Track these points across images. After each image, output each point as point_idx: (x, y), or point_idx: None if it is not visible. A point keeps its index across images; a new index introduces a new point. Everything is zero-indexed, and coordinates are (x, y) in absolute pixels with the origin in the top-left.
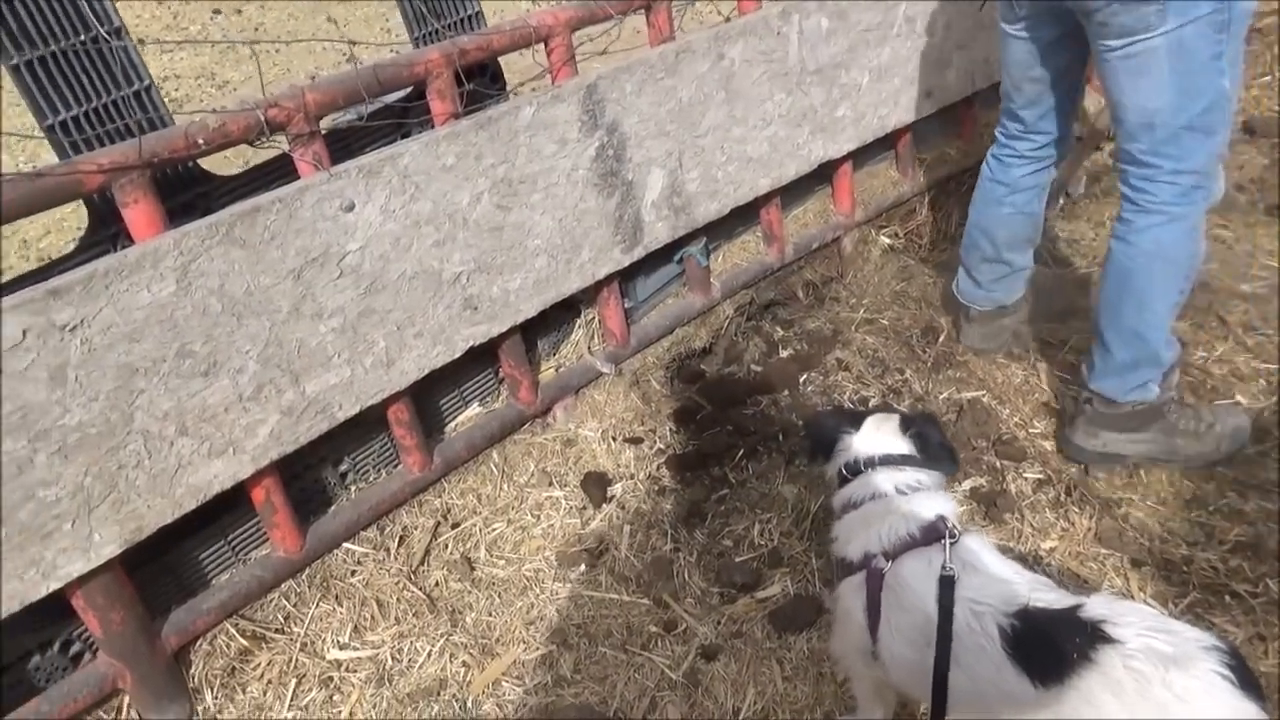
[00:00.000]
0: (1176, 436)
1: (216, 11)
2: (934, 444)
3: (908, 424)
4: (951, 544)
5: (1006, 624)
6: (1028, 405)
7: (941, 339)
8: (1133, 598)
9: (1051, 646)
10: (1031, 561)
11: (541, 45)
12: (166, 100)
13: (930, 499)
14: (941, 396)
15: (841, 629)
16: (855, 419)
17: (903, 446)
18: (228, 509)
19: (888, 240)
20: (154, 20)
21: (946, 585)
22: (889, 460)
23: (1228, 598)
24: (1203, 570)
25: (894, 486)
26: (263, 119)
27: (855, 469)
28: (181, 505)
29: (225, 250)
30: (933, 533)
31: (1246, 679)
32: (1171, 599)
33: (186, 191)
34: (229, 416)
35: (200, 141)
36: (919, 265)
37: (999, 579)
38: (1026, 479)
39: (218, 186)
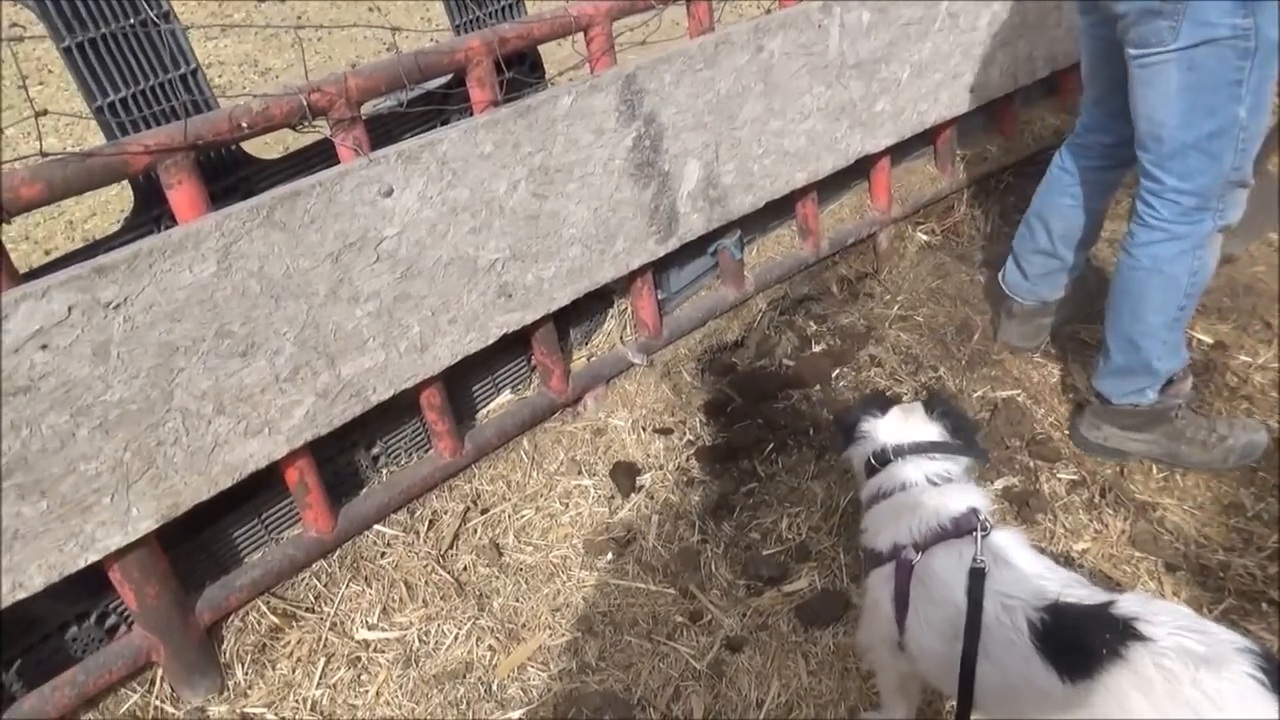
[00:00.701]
0: (1181, 443)
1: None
2: (963, 426)
3: (933, 407)
4: (983, 537)
5: (1037, 618)
6: (1063, 406)
7: (976, 337)
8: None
9: (1081, 642)
10: (1063, 563)
11: (581, 35)
12: (210, 86)
13: (962, 491)
14: (975, 395)
15: (869, 620)
16: (883, 405)
17: (931, 432)
18: (263, 488)
19: (924, 237)
20: (199, 8)
21: (977, 578)
22: (918, 448)
23: (1264, 605)
24: (1239, 576)
25: (924, 476)
26: (305, 103)
27: (884, 459)
28: (217, 483)
29: (265, 233)
30: (964, 525)
31: (1278, 682)
32: (1206, 605)
33: (229, 175)
34: (265, 397)
35: (244, 124)
36: (955, 263)
37: (1030, 574)
38: (1060, 480)
39: (259, 170)
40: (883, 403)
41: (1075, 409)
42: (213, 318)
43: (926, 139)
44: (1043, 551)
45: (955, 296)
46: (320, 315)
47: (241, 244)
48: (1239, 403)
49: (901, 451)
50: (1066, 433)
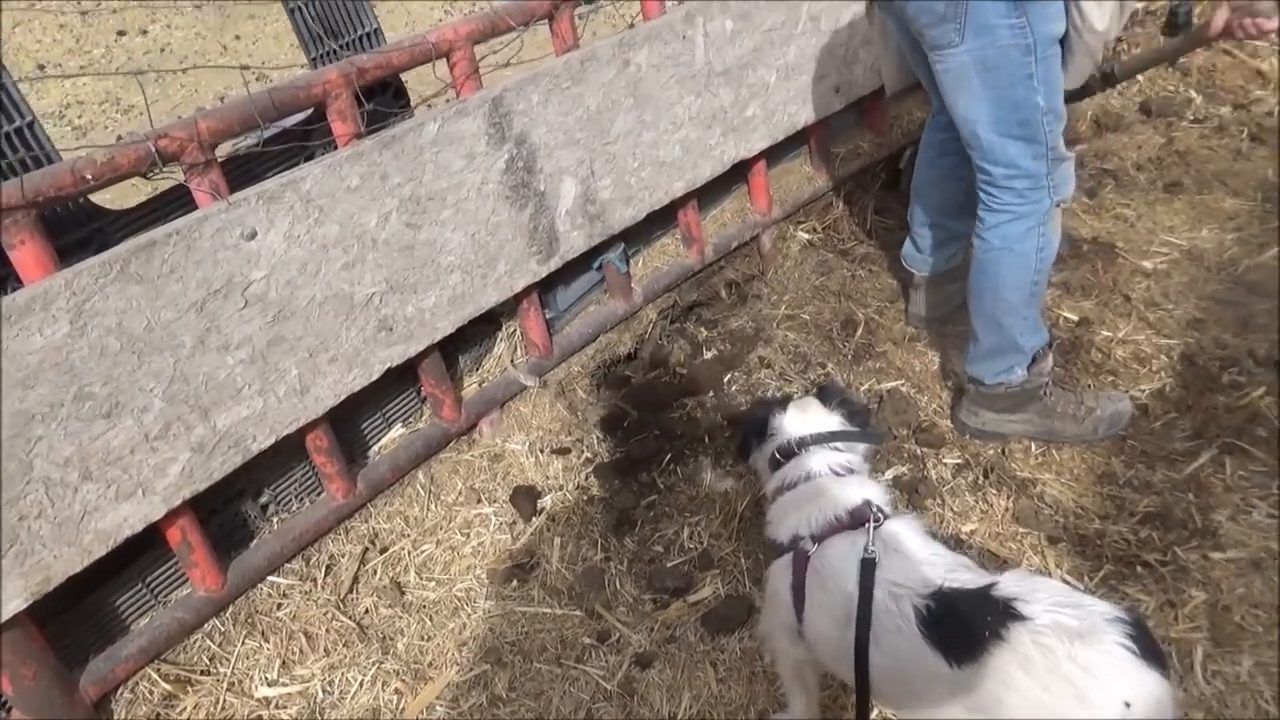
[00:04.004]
0: (1054, 419)
1: (121, 33)
2: (858, 412)
3: (828, 397)
4: (876, 527)
5: (922, 605)
6: (944, 392)
7: (860, 331)
8: (1049, 574)
9: (964, 626)
10: (954, 545)
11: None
12: (70, 127)
13: (859, 483)
14: (863, 387)
15: (769, 609)
16: (781, 404)
17: (831, 422)
18: (145, 550)
19: (806, 235)
20: (55, 44)
21: (867, 568)
22: (820, 438)
23: (1139, 568)
24: (1115, 543)
25: (827, 467)
26: (154, 150)
27: (789, 451)
28: (91, 552)
29: (121, 287)
30: (859, 516)
31: (1149, 648)
32: (1086, 573)
33: (80, 228)
34: (136, 458)
35: (88, 177)
36: (838, 259)
37: (919, 561)
38: (946, 464)
39: (113, 220)
40: (777, 402)
41: (956, 395)
42: (70, 380)
43: (801, 139)
44: (935, 536)
45: (839, 292)
46: (189, 367)
47: (95, 301)
48: (1105, 376)
49: (805, 443)
50: (949, 419)
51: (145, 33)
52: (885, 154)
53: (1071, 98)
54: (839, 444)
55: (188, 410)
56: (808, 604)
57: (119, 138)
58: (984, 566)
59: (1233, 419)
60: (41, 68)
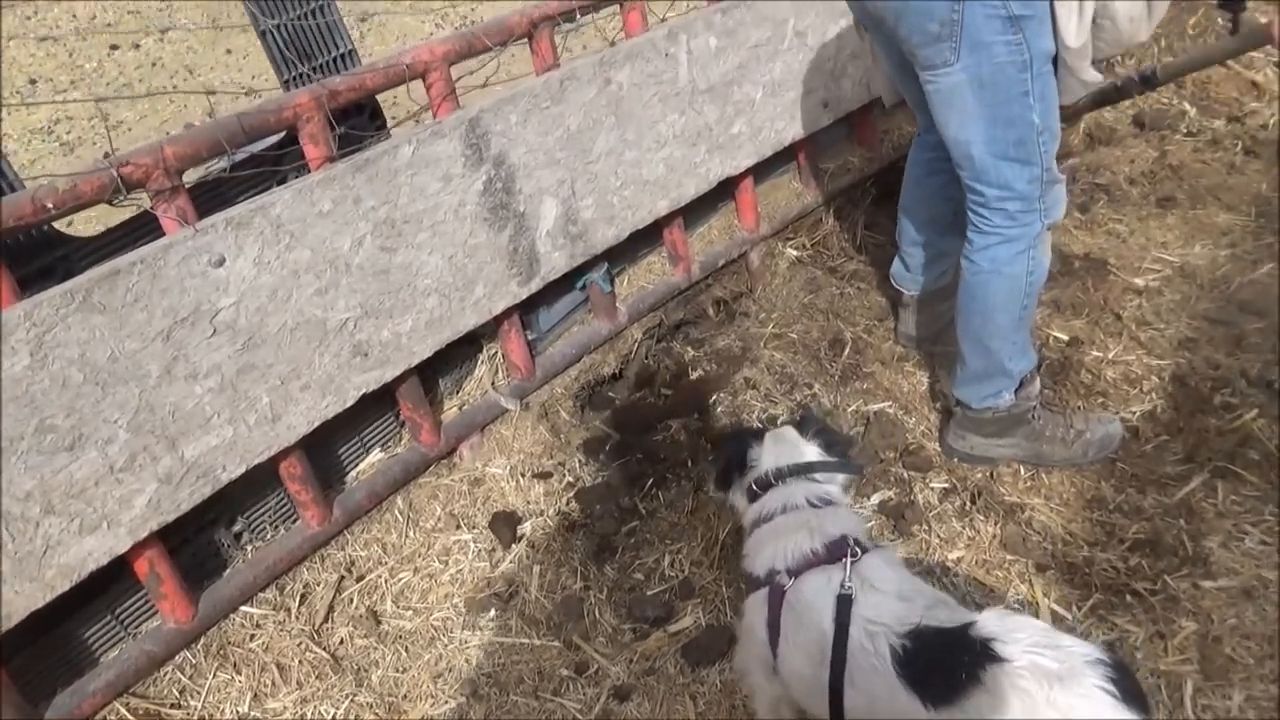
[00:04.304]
0: (1042, 443)
1: (114, 47)
2: (836, 442)
3: (805, 427)
4: (853, 562)
5: (899, 644)
6: (932, 414)
7: (848, 351)
8: (1037, 604)
9: (941, 667)
10: (939, 573)
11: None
12: (58, 143)
13: (838, 515)
14: (850, 409)
15: (745, 643)
16: (757, 435)
17: (809, 452)
18: (113, 581)
19: (794, 252)
20: (49, 58)
21: (843, 604)
22: (798, 469)
23: (1129, 597)
24: (1104, 571)
25: (805, 499)
26: (118, 177)
27: (765, 483)
28: (54, 587)
29: (84, 317)
30: (836, 550)
31: (1129, 690)
32: (1075, 602)
33: (44, 256)
34: (100, 490)
35: (49, 206)
36: (826, 276)
37: (896, 597)
38: (933, 489)
39: (78, 248)
40: (754, 432)
41: (944, 416)
42: (30, 413)
43: (789, 155)
44: (920, 564)
45: (827, 310)
46: (155, 397)
47: (57, 332)
48: (1095, 398)
49: (783, 475)
50: (937, 441)
51: (138, 47)
52: (876, 168)
53: (1107, 100)
54: (817, 474)
55: (154, 441)
56: (782, 640)
57: (105, 155)
58: (970, 596)
59: (1225, 442)
60: (33, 82)
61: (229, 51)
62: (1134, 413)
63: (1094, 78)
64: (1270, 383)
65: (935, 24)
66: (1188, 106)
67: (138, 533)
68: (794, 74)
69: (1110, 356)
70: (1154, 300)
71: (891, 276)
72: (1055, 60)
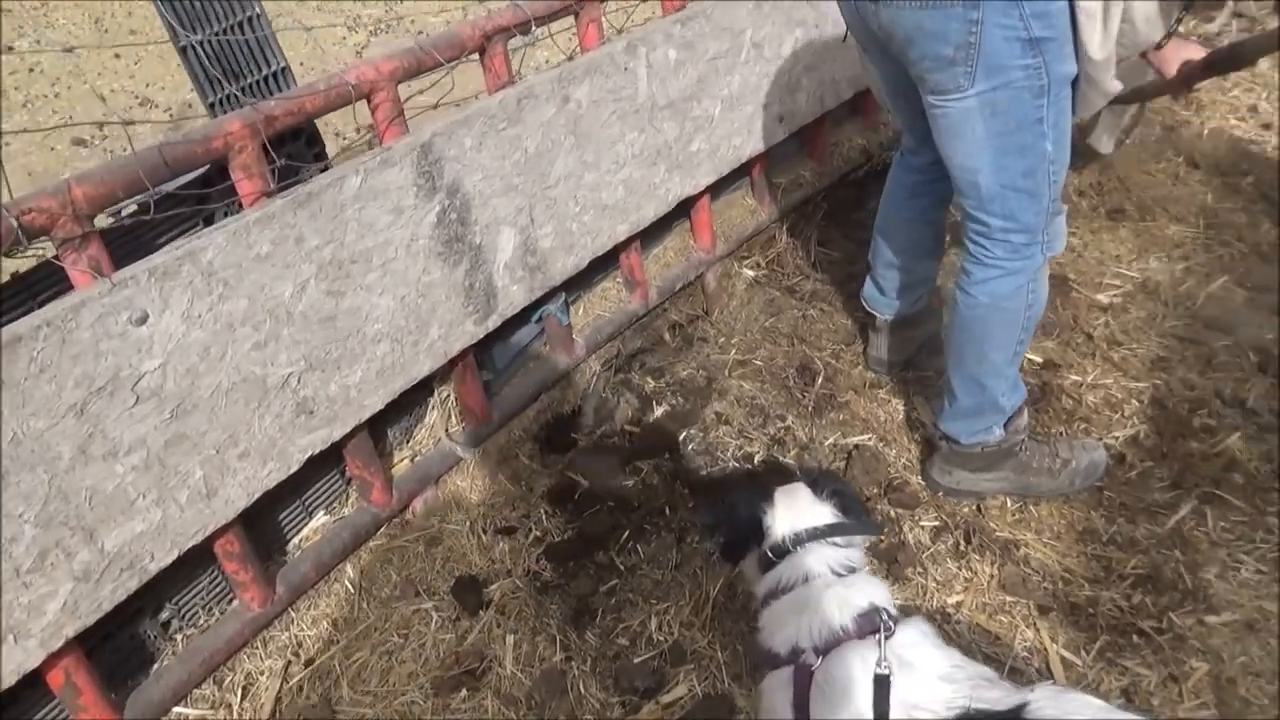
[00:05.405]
0: (1029, 474)
1: None
2: (852, 505)
3: (818, 486)
4: (886, 638)
5: None
6: (913, 445)
7: (820, 380)
8: (1046, 651)
9: None
10: (940, 620)
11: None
12: None
13: (863, 584)
14: (828, 443)
15: None
16: (764, 494)
17: (825, 513)
18: (26, 687)
19: (751, 272)
20: None
21: (881, 686)
22: (816, 534)
23: (1135, 637)
24: (1108, 611)
25: (827, 567)
26: (16, 225)
27: (782, 550)
28: None
29: None
30: (866, 625)
31: None
32: (1083, 645)
33: None
34: (4, 599)
35: None
36: (785, 297)
37: (938, 677)
38: (924, 527)
39: None
40: (760, 490)
41: (924, 447)
42: None
43: (742, 171)
44: (919, 609)
45: (791, 334)
46: (68, 482)
47: None
48: (1077, 424)
49: (800, 540)
50: (920, 474)
51: (11, 49)
52: (827, 183)
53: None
54: (836, 539)
55: (68, 534)
56: None
57: None
58: (976, 645)
59: (1209, 467)
60: None
61: (117, 56)
62: (1117, 438)
63: (1117, 87)
64: (1244, 402)
65: (950, 48)
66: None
67: (51, 643)
68: (751, 88)
69: (1089, 380)
70: (1120, 318)
71: (864, 299)
72: (1074, 80)
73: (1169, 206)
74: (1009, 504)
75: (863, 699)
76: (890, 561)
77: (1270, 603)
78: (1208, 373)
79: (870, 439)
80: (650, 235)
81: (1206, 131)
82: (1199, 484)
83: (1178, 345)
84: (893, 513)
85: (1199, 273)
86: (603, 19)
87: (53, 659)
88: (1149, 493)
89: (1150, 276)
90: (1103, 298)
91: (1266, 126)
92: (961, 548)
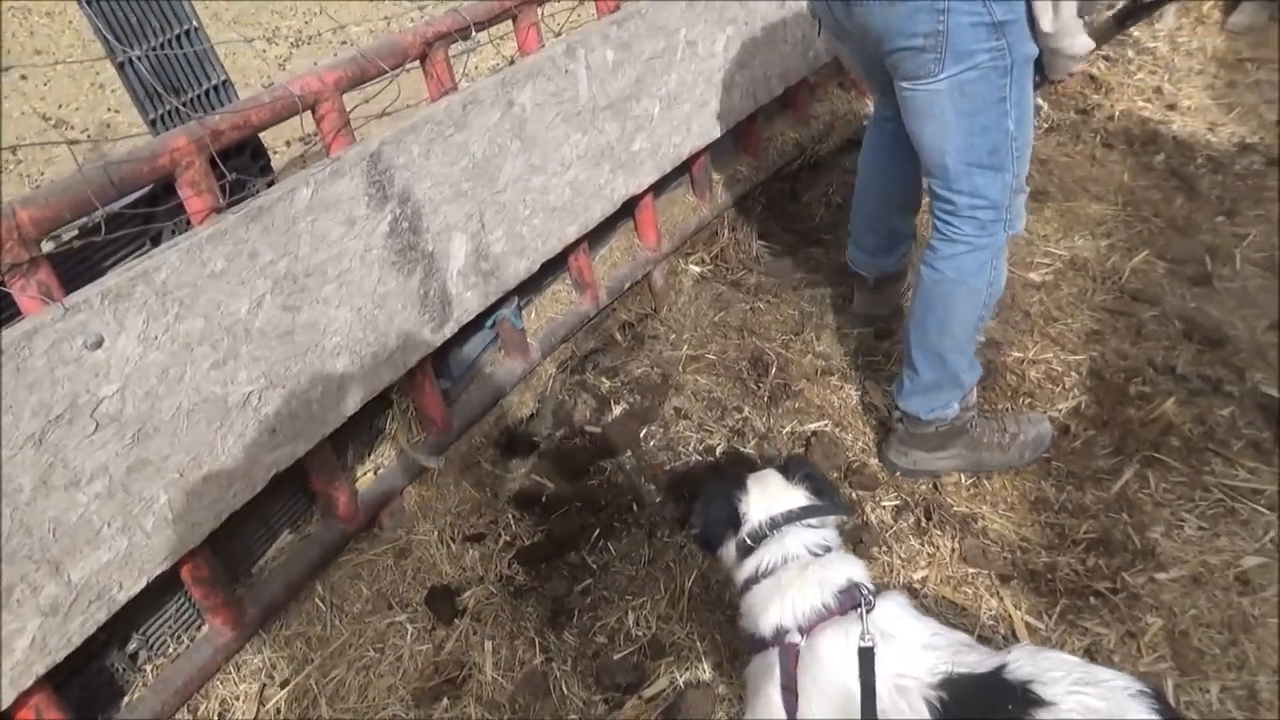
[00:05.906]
0: (981, 450)
1: None
2: (823, 486)
3: (789, 471)
4: (868, 612)
5: (934, 697)
6: (868, 428)
7: (773, 371)
8: (1010, 617)
9: (984, 717)
10: (908, 595)
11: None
12: None
13: (840, 562)
14: (785, 430)
15: (757, 708)
16: (737, 483)
17: (798, 496)
18: None
19: (696, 268)
20: None
21: (866, 658)
22: (791, 517)
23: (1093, 599)
24: (1065, 575)
25: (805, 549)
26: None
27: (759, 535)
28: None
29: None
30: (848, 600)
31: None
32: (1044, 610)
33: None
34: None
35: None
36: (731, 291)
37: (920, 645)
38: (885, 507)
39: None
40: (734, 481)
41: (879, 430)
42: None
43: (683, 169)
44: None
45: (740, 328)
46: (30, 515)
47: None
48: (1022, 399)
49: (776, 524)
50: (877, 456)
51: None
52: (763, 177)
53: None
54: (811, 520)
55: (33, 568)
56: (802, 704)
57: None
58: (944, 616)
59: (1148, 432)
60: None
61: (24, 77)
62: (1060, 410)
63: (1086, 46)
64: (1174, 368)
65: (920, 38)
66: (1040, 101)
67: (21, 682)
68: (687, 86)
69: (1030, 356)
70: (1053, 294)
71: (849, 261)
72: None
73: (1089, 186)
74: (963, 480)
75: (849, 672)
76: (855, 542)
77: (1213, 556)
78: (1139, 342)
79: (826, 425)
80: (597, 236)
81: (1117, 113)
82: (1139, 449)
83: (1109, 318)
84: (854, 495)
85: (1122, 248)
86: (540, 23)
87: (23, 698)
88: (1094, 460)
89: (1077, 254)
90: (1035, 276)
91: (1171, 107)
92: (922, 524)
